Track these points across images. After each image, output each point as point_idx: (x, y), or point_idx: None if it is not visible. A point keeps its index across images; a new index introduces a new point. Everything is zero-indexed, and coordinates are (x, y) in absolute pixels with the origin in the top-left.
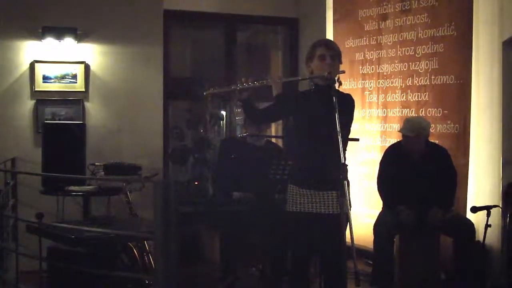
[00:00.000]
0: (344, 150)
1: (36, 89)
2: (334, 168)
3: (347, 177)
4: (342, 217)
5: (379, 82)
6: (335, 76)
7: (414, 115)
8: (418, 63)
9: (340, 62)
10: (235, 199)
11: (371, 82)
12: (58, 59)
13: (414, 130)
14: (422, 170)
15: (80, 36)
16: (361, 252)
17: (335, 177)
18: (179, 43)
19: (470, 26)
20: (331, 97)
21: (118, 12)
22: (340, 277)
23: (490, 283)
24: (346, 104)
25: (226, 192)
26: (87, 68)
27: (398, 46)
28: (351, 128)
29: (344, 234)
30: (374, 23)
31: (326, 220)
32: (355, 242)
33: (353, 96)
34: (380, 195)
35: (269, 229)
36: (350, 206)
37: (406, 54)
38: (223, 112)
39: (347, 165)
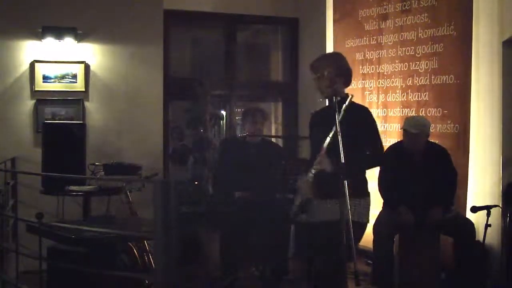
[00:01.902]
0: (361, 162)
1: (36, 89)
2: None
3: (345, 177)
4: (342, 220)
5: (379, 82)
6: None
7: (414, 115)
8: (418, 63)
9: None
10: (236, 198)
11: (371, 82)
12: (58, 59)
13: (417, 127)
14: (422, 170)
15: (80, 36)
16: (361, 252)
17: (354, 188)
18: (179, 43)
19: (470, 26)
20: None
21: (118, 12)
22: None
23: (490, 283)
24: (357, 117)
25: (227, 192)
26: (87, 68)
27: (398, 46)
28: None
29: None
30: (374, 23)
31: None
32: None
33: (353, 96)
34: (382, 195)
35: (269, 229)
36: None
37: (406, 54)
38: (223, 112)
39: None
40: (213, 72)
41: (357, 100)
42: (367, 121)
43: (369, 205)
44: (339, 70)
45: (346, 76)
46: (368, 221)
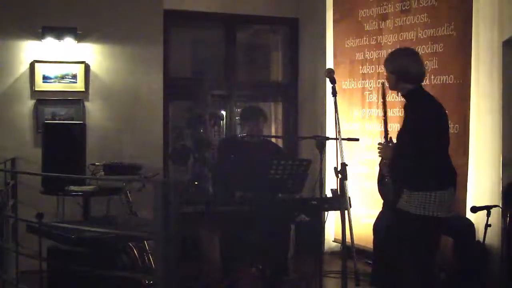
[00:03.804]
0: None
1: (36, 89)
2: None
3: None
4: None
5: (379, 82)
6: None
7: None
8: None
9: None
10: (237, 198)
11: (371, 82)
12: (58, 59)
13: None
14: None
15: (80, 36)
16: (361, 252)
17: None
18: (179, 43)
19: (470, 26)
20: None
21: (118, 12)
22: None
23: (490, 283)
24: (414, 110)
25: (227, 191)
26: (87, 68)
27: (398, 46)
28: (352, 129)
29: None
30: (374, 23)
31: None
32: (355, 242)
33: (353, 96)
34: (381, 195)
35: (270, 229)
36: None
37: None
38: (223, 112)
39: (346, 165)
40: (213, 72)
41: (357, 100)
42: (410, 119)
43: (437, 198)
44: (392, 69)
45: (398, 74)
46: (435, 214)
